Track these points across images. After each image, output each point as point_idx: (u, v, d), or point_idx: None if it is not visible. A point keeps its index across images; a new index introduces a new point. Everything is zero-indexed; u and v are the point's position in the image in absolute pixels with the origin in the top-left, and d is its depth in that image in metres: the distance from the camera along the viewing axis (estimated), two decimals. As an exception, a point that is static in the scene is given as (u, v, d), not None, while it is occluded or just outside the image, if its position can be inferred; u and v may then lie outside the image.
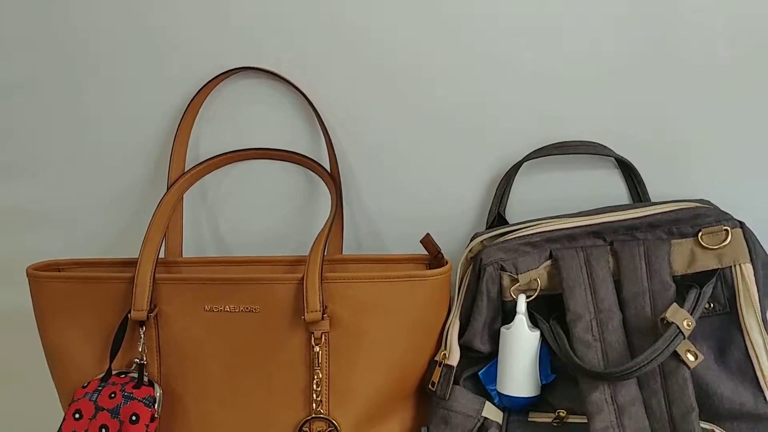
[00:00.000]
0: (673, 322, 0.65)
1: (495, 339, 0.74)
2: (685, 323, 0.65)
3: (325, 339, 0.72)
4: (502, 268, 0.73)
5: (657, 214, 0.73)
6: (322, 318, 0.71)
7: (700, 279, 0.70)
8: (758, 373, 0.67)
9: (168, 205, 0.80)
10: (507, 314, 0.74)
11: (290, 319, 0.72)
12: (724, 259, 0.70)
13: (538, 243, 0.74)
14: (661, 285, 0.69)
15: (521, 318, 0.71)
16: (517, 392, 0.71)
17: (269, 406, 0.73)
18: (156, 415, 0.71)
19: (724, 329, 0.70)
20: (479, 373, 0.75)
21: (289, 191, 0.87)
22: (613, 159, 0.82)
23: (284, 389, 0.73)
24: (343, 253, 0.84)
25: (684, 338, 0.65)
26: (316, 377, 0.72)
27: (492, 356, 0.75)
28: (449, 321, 0.75)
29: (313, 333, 0.72)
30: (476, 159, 0.83)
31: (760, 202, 0.80)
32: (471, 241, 0.76)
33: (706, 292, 0.68)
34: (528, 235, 0.74)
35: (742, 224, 0.71)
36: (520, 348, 0.71)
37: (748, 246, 0.70)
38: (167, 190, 0.81)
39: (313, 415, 0.72)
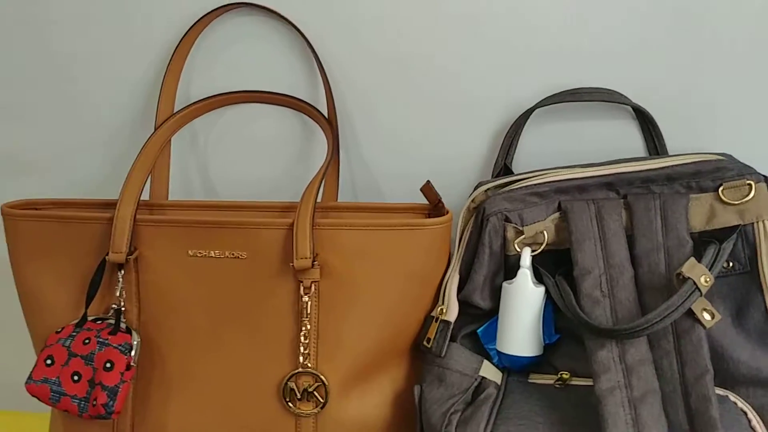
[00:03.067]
0: (689, 278, 0.60)
1: (496, 295, 0.69)
2: (702, 279, 0.60)
3: (315, 289, 0.67)
4: (507, 219, 0.68)
5: (675, 165, 0.68)
6: (312, 266, 0.66)
7: (719, 236, 0.65)
8: (778, 336, 0.62)
9: (154, 146, 0.75)
10: (510, 269, 0.69)
11: (278, 267, 0.68)
12: (746, 215, 0.65)
13: (546, 193, 0.68)
14: (677, 241, 0.64)
15: (525, 272, 0.67)
16: (518, 351, 0.67)
17: (254, 359, 0.69)
18: (132, 363, 0.67)
19: (743, 289, 0.65)
20: (478, 330, 0.70)
21: (284, 137, 0.83)
22: (630, 109, 0.77)
23: (270, 341, 0.68)
24: (339, 201, 0.79)
25: (701, 295, 0.60)
26: (304, 329, 0.67)
27: (492, 313, 0.70)
28: (448, 274, 0.70)
29: (302, 282, 0.67)
30: (483, 106, 0.78)
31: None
32: (474, 190, 0.71)
33: (725, 248, 0.63)
34: (536, 184, 0.69)
35: (766, 178, 0.66)
36: (523, 304, 0.67)
37: (772, 198, 0.65)
38: (154, 131, 0.77)
39: (300, 369, 0.68)
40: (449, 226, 0.70)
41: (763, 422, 0.60)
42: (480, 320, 0.70)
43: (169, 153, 0.81)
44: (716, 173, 0.67)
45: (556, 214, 0.69)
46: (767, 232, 0.64)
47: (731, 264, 0.65)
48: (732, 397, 0.61)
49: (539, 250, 0.68)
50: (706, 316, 0.61)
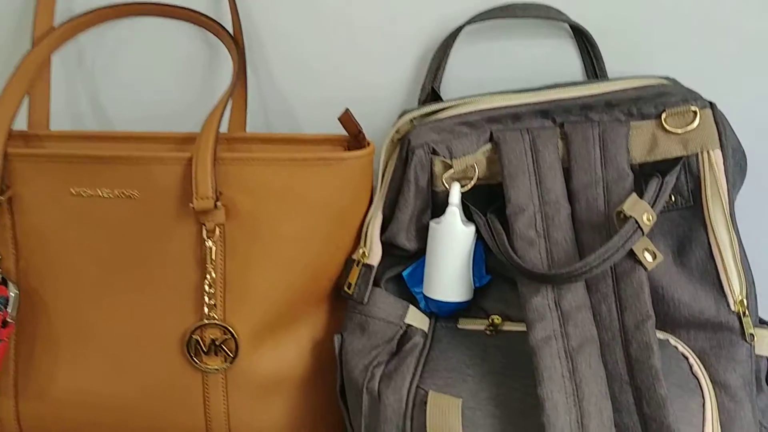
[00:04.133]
0: (631, 216, 0.54)
1: (423, 235, 0.63)
2: (644, 217, 0.55)
3: (220, 232, 0.60)
4: (434, 152, 0.61)
5: (616, 91, 0.62)
6: (216, 206, 0.58)
7: (661, 168, 0.60)
8: (721, 276, 0.58)
9: (30, 65, 0.65)
10: (437, 206, 0.62)
11: (177, 208, 0.59)
12: (690, 145, 0.60)
13: (477, 123, 0.62)
14: (617, 174, 0.59)
15: (454, 210, 0.60)
16: (447, 296, 0.61)
17: (153, 310, 0.61)
18: (9, 320, 0.58)
19: (685, 225, 0.60)
20: (403, 273, 0.64)
21: (184, 57, 0.73)
22: (567, 27, 0.70)
23: (171, 291, 0.61)
24: (247, 132, 0.71)
25: (642, 235, 0.55)
26: (208, 277, 0.60)
27: (419, 255, 0.64)
28: (370, 213, 0.63)
29: (204, 224, 0.59)
30: (409, 25, 0.70)
31: (731, 85, 0.69)
32: (398, 119, 0.64)
33: (668, 182, 0.58)
34: (466, 113, 0.62)
35: (712, 105, 0.61)
36: (452, 245, 0.60)
37: (718, 130, 0.60)
38: (30, 48, 0.66)
39: (206, 321, 0.61)
40: (370, 159, 0.62)
41: (705, 366, 0.57)
42: (405, 262, 0.64)
43: (49, 75, 0.71)
44: (659, 99, 0.61)
45: (488, 146, 0.62)
46: (712, 163, 0.59)
47: (673, 198, 0.60)
48: (672, 340, 0.57)
49: (469, 186, 0.61)
50: (648, 257, 0.56)
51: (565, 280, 0.54)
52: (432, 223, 0.62)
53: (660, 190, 0.58)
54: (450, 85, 0.71)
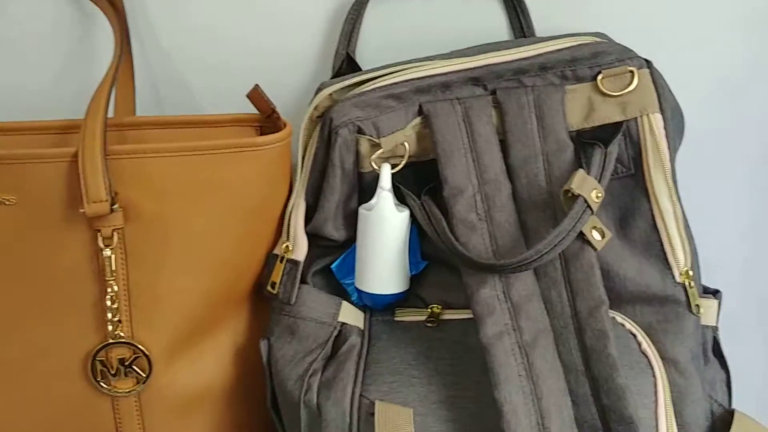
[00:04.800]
0: (579, 195, 0.50)
1: (352, 222, 0.57)
2: (593, 195, 0.51)
3: (119, 238, 0.51)
4: (360, 131, 0.55)
5: (549, 53, 0.57)
6: (111, 210, 0.50)
7: (599, 135, 0.56)
8: (666, 247, 0.56)
9: None
10: (366, 190, 0.56)
11: (63, 213, 0.51)
12: (628, 109, 0.56)
13: (404, 95, 0.55)
14: (557, 144, 0.55)
15: (385, 195, 0.54)
16: (382, 289, 0.56)
17: (49, 332, 0.52)
18: None
19: (626, 195, 0.57)
20: (332, 266, 0.58)
21: (50, 27, 0.62)
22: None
23: (67, 309, 0.52)
24: (138, 114, 0.61)
25: (592, 213, 0.51)
26: (110, 290, 0.52)
27: (348, 244, 0.58)
28: (291, 203, 0.57)
29: (100, 231, 0.51)
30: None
31: (665, 39, 0.66)
32: (316, 94, 0.56)
33: (612, 152, 0.55)
34: (391, 84, 0.55)
35: (649, 63, 0.57)
36: (385, 233, 0.55)
37: (657, 91, 0.56)
38: None
39: (111, 340, 0.53)
40: (288, 143, 0.55)
41: (653, 342, 0.55)
42: (333, 253, 0.58)
43: None
44: (594, 59, 0.57)
45: (418, 120, 0.56)
46: (652, 128, 0.56)
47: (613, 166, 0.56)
48: (619, 318, 0.55)
49: (400, 166, 0.56)
50: (596, 236, 0.52)
51: (516, 269, 0.50)
52: (362, 210, 0.55)
53: (605, 161, 0.54)
54: (367, 48, 0.64)
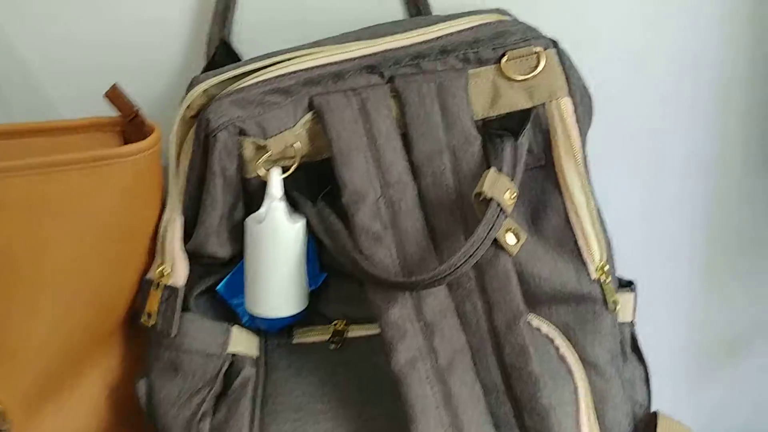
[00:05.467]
0: (492, 198, 0.45)
1: (237, 235, 0.50)
2: (507, 196, 0.46)
3: (-47, 277, 0.42)
4: (242, 132, 0.47)
5: (450, 34, 0.52)
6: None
7: (507, 124, 0.51)
8: (580, 242, 0.52)
9: None
10: (252, 198, 0.49)
11: None
12: (536, 94, 0.52)
13: (292, 89, 0.48)
14: (464, 137, 0.49)
15: (276, 204, 0.48)
16: (277, 311, 0.49)
17: None
18: None
19: (537, 188, 0.53)
20: (217, 287, 0.51)
21: None
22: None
23: None
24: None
25: (506, 217, 0.46)
26: (-54, 340, 0.43)
27: (235, 260, 0.51)
28: (165, 218, 0.49)
29: (-73, 271, 0.41)
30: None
31: (569, 16, 0.61)
32: (188, 91, 0.48)
33: (523, 144, 0.50)
34: (277, 77, 0.48)
35: (555, 43, 0.52)
36: (279, 248, 0.48)
37: (565, 73, 0.52)
38: None
39: (-47, 399, 0.44)
40: (157, 150, 0.47)
41: (572, 344, 0.51)
42: (219, 271, 0.51)
43: None
44: (497, 40, 0.52)
45: (308, 116, 0.49)
46: (562, 114, 0.51)
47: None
48: (536, 321, 0.51)
49: (292, 169, 0.49)
50: (510, 239, 0.48)
51: (428, 285, 0.44)
52: (249, 222, 0.49)
53: (516, 156, 0.49)
54: (244, 33, 0.56)
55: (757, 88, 0.63)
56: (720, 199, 0.66)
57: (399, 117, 0.50)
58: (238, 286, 0.51)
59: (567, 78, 0.52)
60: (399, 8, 0.59)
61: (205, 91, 0.48)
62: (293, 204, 0.49)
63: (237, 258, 0.51)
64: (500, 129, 0.51)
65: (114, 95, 0.46)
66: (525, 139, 0.50)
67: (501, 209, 0.46)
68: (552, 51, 0.52)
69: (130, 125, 0.48)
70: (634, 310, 0.54)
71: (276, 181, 0.48)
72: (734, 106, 0.63)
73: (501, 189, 0.46)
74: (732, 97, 0.63)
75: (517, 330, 0.45)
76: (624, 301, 0.54)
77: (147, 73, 0.55)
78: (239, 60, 0.55)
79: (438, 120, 0.50)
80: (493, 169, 0.47)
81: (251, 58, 0.50)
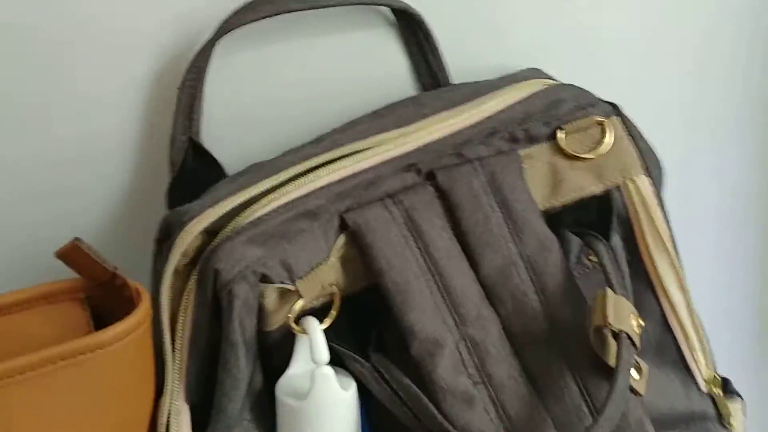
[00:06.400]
0: (622, 331, 0.34)
1: (262, 414, 0.36)
2: (634, 324, 0.35)
3: None
4: (264, 279, 0.34)
5: (501, 111, 0.40)
6: None
7: (580, 217, 0.41)
8: (684, 350, 0.42)
9: None
10: (270, 355, 0.36)
11: None
12: (605, 174, 0.41)
13: (321, 209, 0.36)
14: (537, 242, 0.38)
15: (326, 373, 0.34)
16: None
17: None
18: None
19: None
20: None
21: None
22: (383, 10, 0.45)
23: None
24: None
25: (637, 352, 0.35)
26: None
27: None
28: (164, 410, 0.34)
29: None
30: (120, 47, 0.39)
31: (616, 71, 0.51)
32: (177, 234, 0.34)
33: (617, 245, 0.39)
34: (300, 197, 0.35)
35: (616, 108, 0.43)
36: (331, 426, 0.34)
37: (636, 145, 0.42)
38: None
39: None
40: (148, 327, 0.32)
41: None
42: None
43: None
44: (548, 111, 0.41)
45: (342, 239, 0.36)
46: (642, 195, 0.41)
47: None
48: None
49: (332, 317, 0.36)
50: (635, 375, 0.36)
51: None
52: (286, 401, 0.35)
53: (618, 262, 0.38)
54: (213, 131, 0.43)
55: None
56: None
57: (448, 224, 0.38)
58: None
59: (638, 150, 0.42)
60: (406, 73, 0.47)
61: (204, 232, 0.34)
62: (337, 360, 0.36)
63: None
64: (575, 225, 0.40)
65: (73, 252, 0.31)
66: (616, 238, 0.39)
67: (632, 342, 0.34)
68: (616, 119, 0.42)
69: (100, 289, 0.33)
70: (744, 419, 0.45)
71: (320, 340, 0.34)
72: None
73: (626, 316, 0.35)
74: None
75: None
76: (734, 410, 0.44)
77: (93, 196, 0.40)
78: (216, 165, 0.41)
79: (501, 222, 0.38)
80: (609, 291, 0.35)
81: (252, 168, 0.37)
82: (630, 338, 0.34)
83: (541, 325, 0.37)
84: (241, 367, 0.33)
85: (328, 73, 0.44)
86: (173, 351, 0.34)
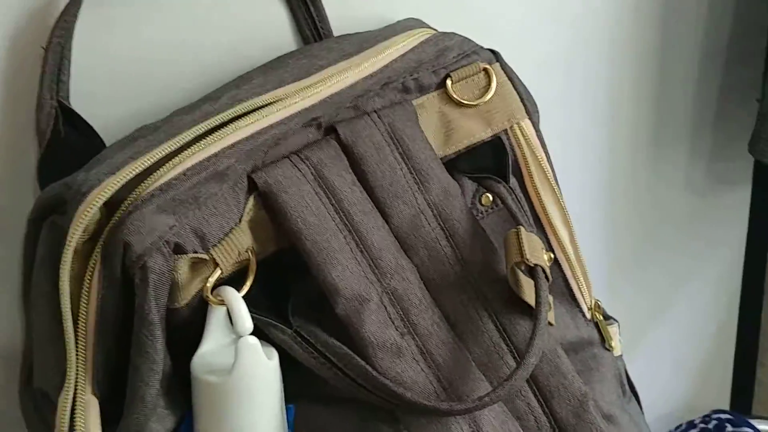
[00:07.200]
0: (537, 265, 0.35)
1: (177, 398, 0.33)
2: (546, 258, 0.37)
3: None
4: (179, 249, 0.31)
5: (395, 61, 0.41)
6: None
7: (479, 163, 0.42)
8: (571, 282, 0.44)
9: None
10: (178, 335, 0.33)
11: None
12: (494, 120, 0.42)
13: (230, 170, 0.33)
14: (442, 189, 0.39)
15: (251, 344, 0.32)
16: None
17: None
18: None
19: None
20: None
21: None
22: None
23: None
24: None
25: (549, 286, 0.37)
26: None
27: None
28: (65, 403, 0.30)
29: None
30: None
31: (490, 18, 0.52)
32: (68, 205, 0.30)
33: (515, 185, 0.41)
34: (209, 157, 0.33)
35: (497, 55, 0.44)
36: (256, 401, 0.33)
37: (516, 90, 0.43)
38: None
39: None
40: None
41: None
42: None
43: None
44: (437, 60, 0.41)
45: (251, 201, 0.34)
46: (528, 138, 0.43)
47: (491, 197, 0.42)
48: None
49: (248, 285, 0.34)
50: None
51: (501, 397, 0.33)
52: (209, 378, 0.32)
53: (518, 200, 0.40)
54: (86, 91, 0.38)
55: (644, 84, 0.60)
56: (612, 192, 0.63)
57: (358, 179, 0.37)
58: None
59: (519, 95, 0.43)
60: (289, 31, 0.44)
61: (104, 206, 0.30)
62: (256, 330, 0.34)
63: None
64: (474, 170, 0.41)
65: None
66: (514, 179, 0.41)
67: (546, 278, 0.36)
68: (497, 65, 0.43)
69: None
70: (620, 341, 0.48)
71: (242, 309, 0.32)
72: (625, 102, 0.60)
73: (539, 251, 0.36)
74: (623, 93, 0.59)
75: (588, 417, 0.36)
76: (613, 333, 0.47)
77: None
78: (92, 132, 0.37)
79: (406, 172, 0.38)
80: (521, 228, 0.36)
81: (143, 134, 0.33)
82: (544, 272, 0.35)
83: (454, 270, 0.37)
84: (158, 349, 0.31)
85: (206, 27, 0.41)
86: (76, 340, 0.30)
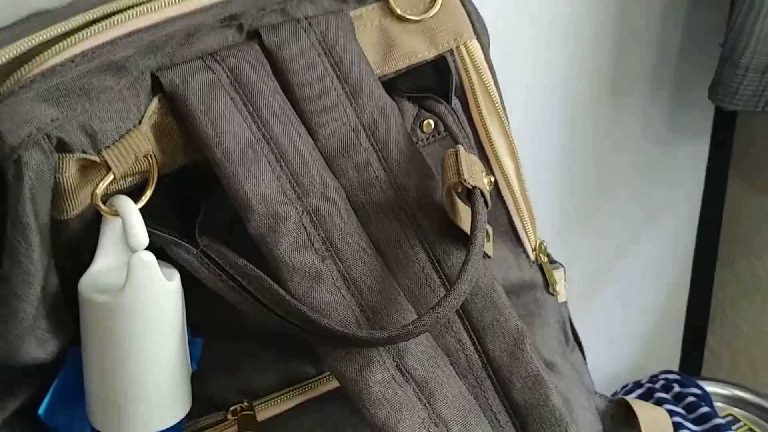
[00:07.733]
0: (476, 187, 0.32)
1: (61, 320, 0.30)
2: (486, 181, 0.34)
3: None
4: (62, 145, 0.27)
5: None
6: None
7: (418, 83, 0.38)
8: (515, 220, 0.41)
9: None
10: (66, 252, 0.29)
11: None
12: (438, 39, 0.39)
13: (129, 62, 0.29)
14: (377, 107, 0.35)
15: (146, 259, 0.28)
16: (156, 424, 0.30)
17: None
18: None
19: (453, 160, 0.40)
20: (39, 411, 0.30)
21: None
22: None
23: None
24: None
25: (487, 209, 0.33)
26: None
27: (58, 365, 0.30)
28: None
29: None
30: None
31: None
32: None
33: (458, 107, 0.37)
34: (103, 44, 0.28)
35: (444, -33, 0.40)
36: (153, 324, 0.29)
37: (466, 8, 0.40)
38: None
39: None
40: None
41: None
42: (32, 382, 0.30)
43: None
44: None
45: (155, 103, 0.30)
46: (475, 60, 0.39)
47: (433, 123, 0.39)
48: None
49: (148, 195, 0.30)
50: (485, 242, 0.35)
51: (427, 328, 0.30)
52: (97, 297, 0.29)
53: (460, 122, 0.36)
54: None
55: (604, 27, 0.56)
56: (573, 128, 0.60)
57: (282, 89, 0.34)
58: (72, 399, 0.31)
59: (468, 13, 0.40)
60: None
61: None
62: (152, 249, 0.30)
63: (60, 363, 0.30)
64: (414, 90, 0.37)
65: None
66: (458, 102, 0.37)
67: (486, 203, 0.33)
68: (448, -22, 0.39)
69: None
70: (565, 287, 0.46)
71: (136, 221, 0.28)
72: (584, 46, 0.57)
73: (478, 173, 0.33)
74: (582, 36, 0.56)
75: (524, 356, 0.33)
76: (558, 278, 0.45)
77: None
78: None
79: (337, 86, 0.34)
80: (460, 147, 0.33)
81: (21, 23, 0.29)
82: (483, 195, 0.32)
83: (386, 194, 0.34)
84: (35, 259, 0.27)
85: None
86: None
